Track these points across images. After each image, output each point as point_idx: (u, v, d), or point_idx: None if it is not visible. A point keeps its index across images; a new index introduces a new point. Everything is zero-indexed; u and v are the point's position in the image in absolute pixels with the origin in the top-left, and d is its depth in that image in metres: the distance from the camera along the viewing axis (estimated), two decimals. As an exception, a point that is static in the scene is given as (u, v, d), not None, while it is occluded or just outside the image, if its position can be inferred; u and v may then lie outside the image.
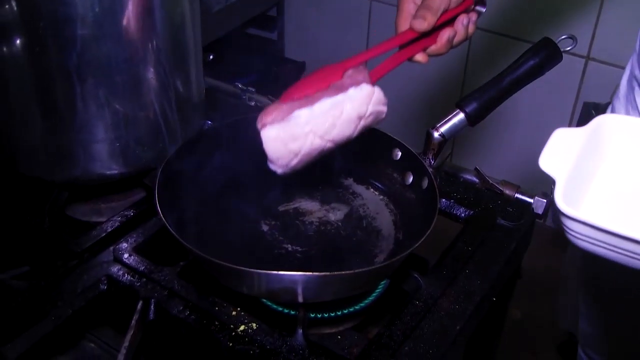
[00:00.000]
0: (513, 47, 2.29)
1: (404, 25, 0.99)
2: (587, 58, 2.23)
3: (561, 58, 1.10)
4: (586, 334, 1.47)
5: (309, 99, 0.91)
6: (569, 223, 0.74)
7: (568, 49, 1.10)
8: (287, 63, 2.93)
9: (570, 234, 0.75)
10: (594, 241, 0.73)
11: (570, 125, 2.34)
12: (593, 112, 2.00)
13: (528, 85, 1.13)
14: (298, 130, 0.90)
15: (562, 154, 0.83)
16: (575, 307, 2.13)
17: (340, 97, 0.91)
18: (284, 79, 2.86)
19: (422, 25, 0.95)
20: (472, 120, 1.10)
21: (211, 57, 1.51)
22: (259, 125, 0.91)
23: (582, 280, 1.44)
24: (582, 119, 2.03)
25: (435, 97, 2.51)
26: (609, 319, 1.40)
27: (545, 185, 2.46)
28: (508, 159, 2.55)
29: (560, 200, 0.74)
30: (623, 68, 2.14)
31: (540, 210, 1.18)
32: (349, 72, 0.94)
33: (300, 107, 0.90)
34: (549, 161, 0.82)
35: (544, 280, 2.27)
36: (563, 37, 1.10)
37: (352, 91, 0.91)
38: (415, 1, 0.99)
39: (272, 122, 0.90)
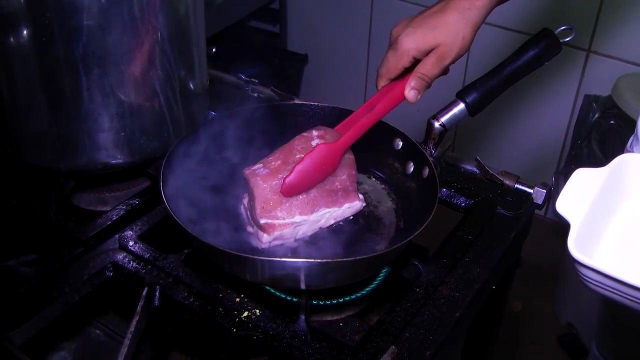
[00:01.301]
0: (515, 39, 2.29)
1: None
2: (588, 51, 2.24)
3: (560, 49, 1.11)
4: (604, 336, 1.47)
5: (309, 202, 1.05)
6: (581, 269, 0.72)
7: (567, 39, 1.11)
8: (289, 55, 2.94)
9: (584, 279, 0.73)
10: (607, 288, 0.72)
11: (571, 118, 2.34)
12: (594, 104, 2.01)
13: (529, 77, 1.14)
14: (293, 232, 1.06)
15: (580, 196, 0.81)
16: (575, 298, 2.15)
17: (334, 210, 1.09)
18: (286, 71, 2.87)
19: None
20: (472, 110, 1.11)
21: (214, 49, 1.52)
22: (261, 225, 1.03)
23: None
24: (583, 111, 2.04)
25: (437, 87, 2.51)
26: (627, 331, 1.40)
27: (545, 175, 2.47)
28: (508, 149, 2.56)
29: (573, 246, 0.72)
30: (624, 61, 2.17)
31: (539, 200, 1.19)
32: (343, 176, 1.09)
33: (300, 210, 1.05)
34: (565, 204, 0.80)
35: (545, 272, 2.28)
36: (562, 27, 1.11)
37: (345, 207, 1.09)
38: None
39: (273, 231, 1.03)
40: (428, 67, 1.05)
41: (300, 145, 1.08)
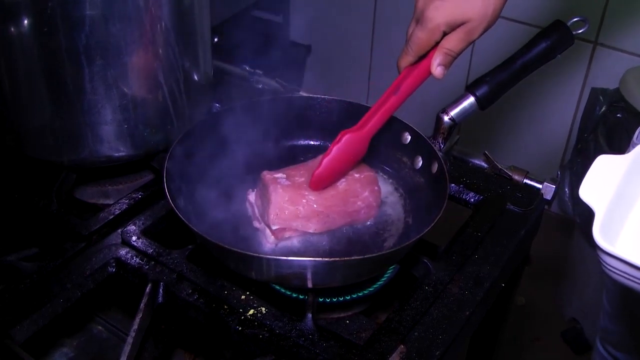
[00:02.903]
0: (518, 30, 2.27)
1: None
2: (595, 43, 2.21)
3: (573, 41, 1.09)
4: (608, 331, 1.46)
5: (327, 223, 1.04)
6: (604, 257, 0.71)
7: (580, 31, 1.09)
8: (292, 46, 2.92)
9: (607, 268, 0.72)
10: (631, 277, 0.71)
11: (576, 111, 2.33)
12: (600, 97, 1.99)
13: (535, 70, 1.12)
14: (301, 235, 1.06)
15: (603, 182, 0.79)
16: (580, 294, 2.14)
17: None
18: (290, 62, 2.84)
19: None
20: (483, 104, 1.09)
21: (216, 39, 1.50)
22: (272, 229, 1.02)
23: (608, 280, 1.42)
24: (590, 105, 2.02)
25: (442, 80, 2.49)
26: (636, 320, 1.39)
27: (550, 169, 2.45)
28: (512, 143, 2.54)
29: (598, 234, 0.71)
30: (631, 54, 2.15)
31: (549, 196, 1.18)
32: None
33: (315, 227, 1.04)
34: (589, 191, 0.79)
35: (549, 267, 2.27)
36: (575, 19, 1.09)
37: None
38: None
39: (283, 236, 1.03)
40: (455, 42, 1.01)
41: None
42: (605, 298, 1.46)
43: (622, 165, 0.82)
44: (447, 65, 1.03)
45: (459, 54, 1.03)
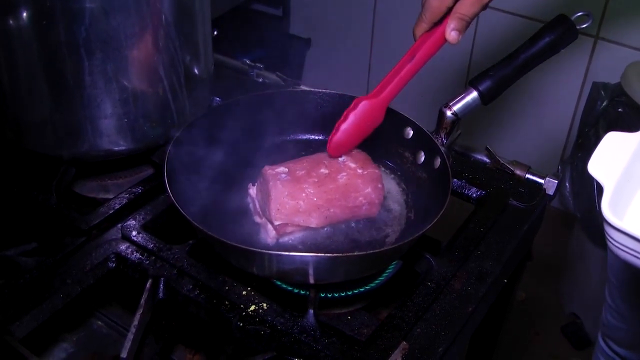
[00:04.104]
0: (519, 24, 2.26)
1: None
2: (597, 37, 2.20)
3: (577, 36, 1.08)
4: (609, 325, 1.46)
5: (328, 217, 1.03)
6: (612, 233, 0.71)
7: (584, 26, 1.08)
8: (292, 39, 2.91)
9: (613, 244, 0.72)
10: (637, 254, 0.70)
11: (577, 105, 2.32)
12: (602, 92, 1.98)
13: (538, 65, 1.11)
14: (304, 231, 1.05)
15: (612, 159, 0.79)
16: (581, 289, 2.14)
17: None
18: (289, 55, 2.83)
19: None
20: (486, 98, 1.08)
21: (215, 32, 1.49)
22: (275, 225, 1.01)
23: (611, 275, 1.42)
24: (591, 99, 2.01)
25: (442, 74, 2.49)
26: (637, 314, 1.39)
27: (550, 164, 2.44)
28: (512, 137, 2.53)
29: (607, 208, 0.71)
30: (633, 48, 2.14)
31: (551, 191, 1.17)
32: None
33: (317, 221, 1.03)
34: (598, 166, 0.79)
35: (549, 261, 2.26)
36: (579, 13, 1.08)
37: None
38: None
39: (285, 232, 1.03)
40: (467, 7, 1.00)
41: (328, 160, 1.07)
42: (607, 292, 1.46)
43: (632, 143, 0.82)
44: (461, 30, 1.02)
45: (472, 18, 1.02)
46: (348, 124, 1.04)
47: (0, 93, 1.09)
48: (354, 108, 1.04)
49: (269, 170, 1.03)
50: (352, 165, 1.07)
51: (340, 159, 1.07)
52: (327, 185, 1.04)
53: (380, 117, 1.06)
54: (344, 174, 1.06)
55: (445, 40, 1.03)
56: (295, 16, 2.92)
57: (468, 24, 1.02)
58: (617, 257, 0.73)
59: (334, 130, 1.05)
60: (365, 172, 1.06)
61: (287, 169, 1.04)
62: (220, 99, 1.32)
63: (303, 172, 1.04)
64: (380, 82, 1.05)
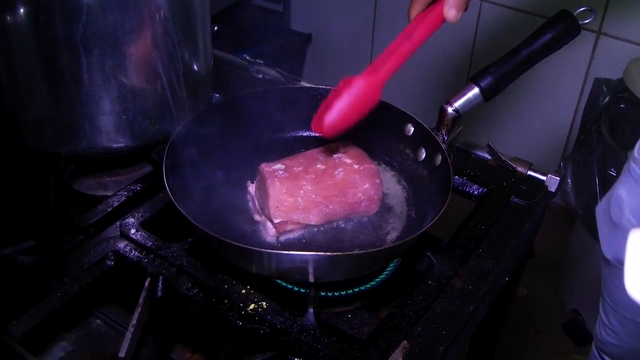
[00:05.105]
0: (520, 20, 2.25)
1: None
2: (599, 33, 2.19)
3: (579, 31, 1.07)
4: (603, 341, 1.45)
5: (327, 214, 1.02)
6: None
7: (586, 21, 1.07)
8: (292, 35, 2.90)
9: None
10: None
11: (579, 102, 2.31)
12: (604, 88, 1.97)
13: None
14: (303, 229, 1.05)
15: None
16: (581, 285, 2.13)
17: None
18: (290, 51, 2.82)
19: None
20: (487, 95, 1.08)
21: (216, 28, 1.48)
22: (274, 223, 1.00)
23: (605, 295, 1.40)
24: (593, 95, 2.00)
25: (443, 70, 2.48)
26: (630, 334, 1.37)
27: (552, 160, 2.43)
28: (513, 133, 2.53)
29: None
30: (635, 44, 2.13)
31: (553, 188, 1.16)
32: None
33: (316, 219, 1.02)
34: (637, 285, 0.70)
35: (550, 258, 2.26)
36: (581, 9, 1.07)
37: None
38: None
39: (285, 229, 1.02)
40: None
41: (323, 157, 1.06)
42: (602, 309, 1.45)
43: None
44: (459, 8, 0.96)
45: None
46: (342, 103, 0.96)
47: (-2, 90, 1.08)
48: (346, 86, 0.96)
49: (265, 168, 1.02)
50: (348, 161, 1.05)
51: (335, 155, 1.06)
52: (325, 181, 1.03)
53: (377, 97, 0.99)
54: (341, 169, 1.04)
55: (443, 19, 0.97)
56: (296, 12, 2.91)
57: (467, 2, 0.97)
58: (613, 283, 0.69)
59: (320, 109, 0.98)
60: (362, 168, 1.05)
61: (284, 166, 1.03)
62: (220, 95, 1.31)
63: (300, 168, 1.03)
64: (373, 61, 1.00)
